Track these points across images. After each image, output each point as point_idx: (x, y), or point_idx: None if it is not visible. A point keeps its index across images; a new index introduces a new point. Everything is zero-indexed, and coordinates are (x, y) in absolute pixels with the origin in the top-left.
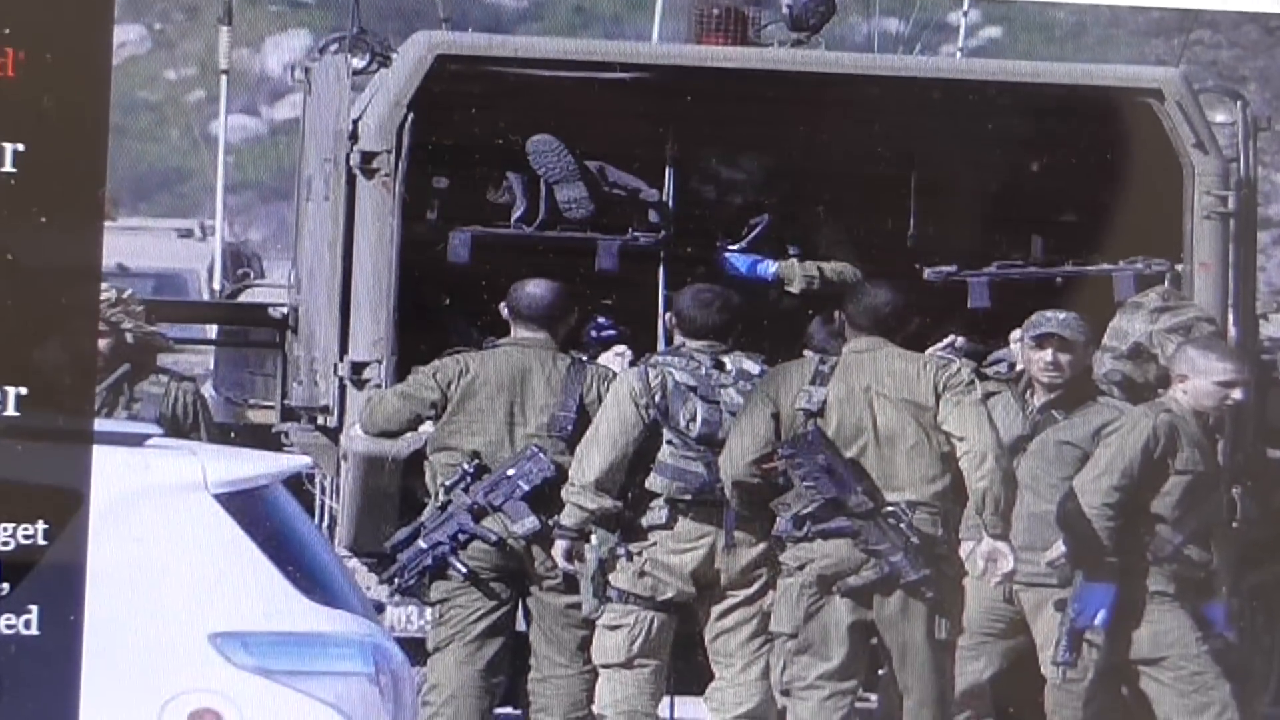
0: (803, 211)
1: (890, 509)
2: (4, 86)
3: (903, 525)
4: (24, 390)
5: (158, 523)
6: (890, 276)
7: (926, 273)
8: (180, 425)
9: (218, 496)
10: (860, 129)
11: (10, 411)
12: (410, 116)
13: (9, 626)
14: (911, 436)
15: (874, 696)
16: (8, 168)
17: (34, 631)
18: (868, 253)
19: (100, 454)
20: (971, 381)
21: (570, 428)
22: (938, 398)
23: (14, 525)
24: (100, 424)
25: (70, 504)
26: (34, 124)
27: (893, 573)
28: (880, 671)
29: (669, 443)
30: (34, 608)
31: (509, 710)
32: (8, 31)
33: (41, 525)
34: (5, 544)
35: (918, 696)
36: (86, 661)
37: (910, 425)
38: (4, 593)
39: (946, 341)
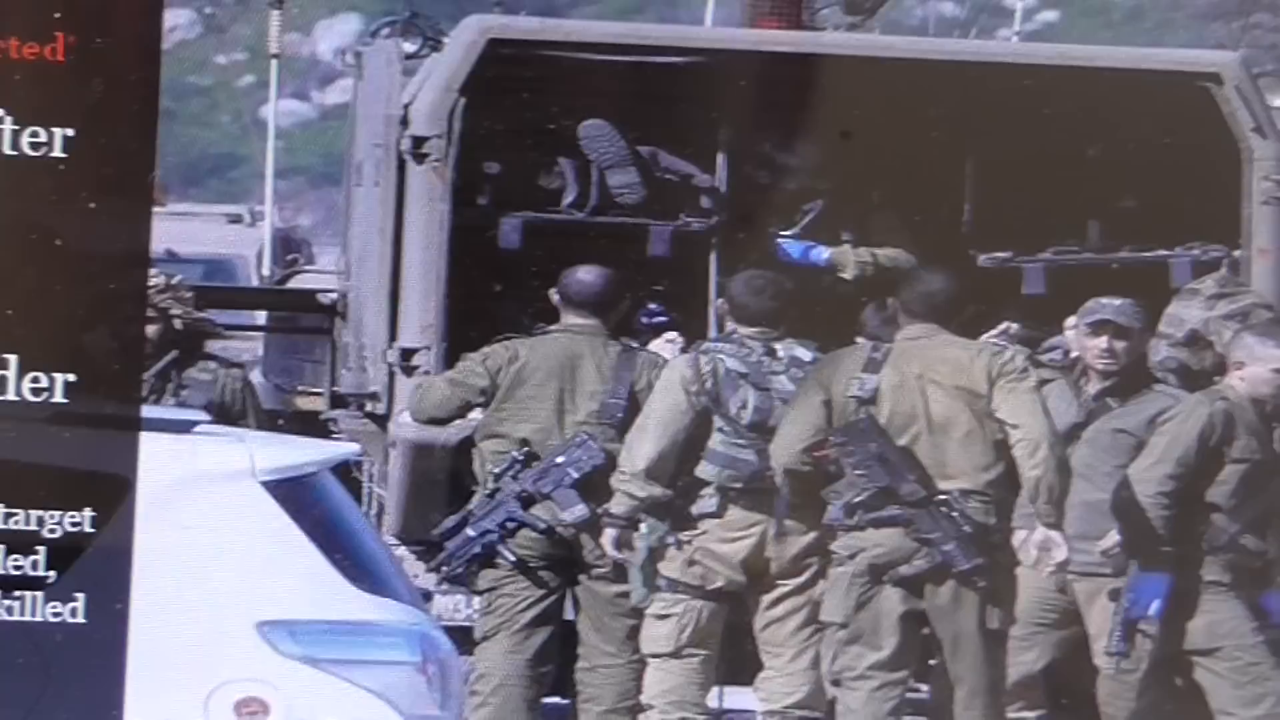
0: (857, 197)
1: (943, 497)
2: (53, 71)
3: (955, 514)
4: (72, 377)
5: (205, 510)
6: (944, 263)
7: (981, 259)
8: (229, 412)
9: (265, 484)
10: (915, 114)
11: (58, 398)
12: (462, 101)
13: (55, 614)
14: (965, 424)
15: (925, 687)
16: (57, 153)
17: (80, 620)
18: (922, 239)
19: (148, 441)
20: (1025, 369)
21: (620, 415)
22: (991, 385)
23: (61, 513)
24: (148, 411)
25: (118, 491)
26: (83, 109)
27: (945, 562)
28: (932, 662)
29: (720, 430)
30: (81, 596)
31: (557, 700)
32: (58, 16)
33: (89, 513)
34: (52, 531)
35: (969, 687)
36: (132, 650)
37: (964, 413)
38: (51, 580)
39: (1001, 328)
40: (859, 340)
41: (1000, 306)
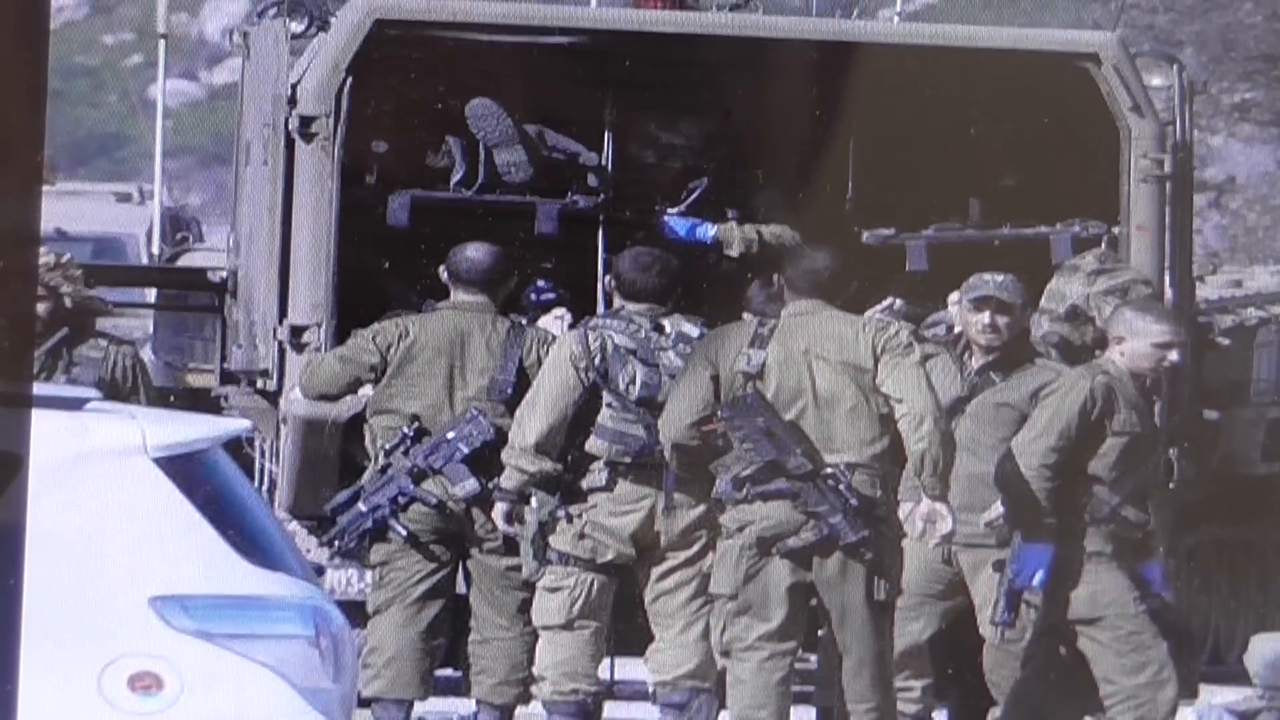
0: (741, 175)
1: (829, 471)
2: None
3: (841, 487)
4: None
5: (97, 487)
6: (828, 240)
7: (865, 236)
8: (119, 389)
9: (157, 460)
10: (798, 93)
11: None
12: (349, 81)
13: None
14: (850, 399)
15: (814, 657)
16: None
17: None
18: (806, 216)
19: (38, 418)
20: (910, 344)
21: (510, 391)
22: (876, 360)
23: None
24: (39, 388)
25: (9, 469)
26: None
27: (832, 534)
28: (820, 632)
29: (608, 405)
30: None
31: (449, 672)
32: None
33: None
34: None
35: (857, 657)
36: (25, 626)
37: (849, 388)
38: None
39: (885, 304)
40: (745, 316)
41: (884, 283)
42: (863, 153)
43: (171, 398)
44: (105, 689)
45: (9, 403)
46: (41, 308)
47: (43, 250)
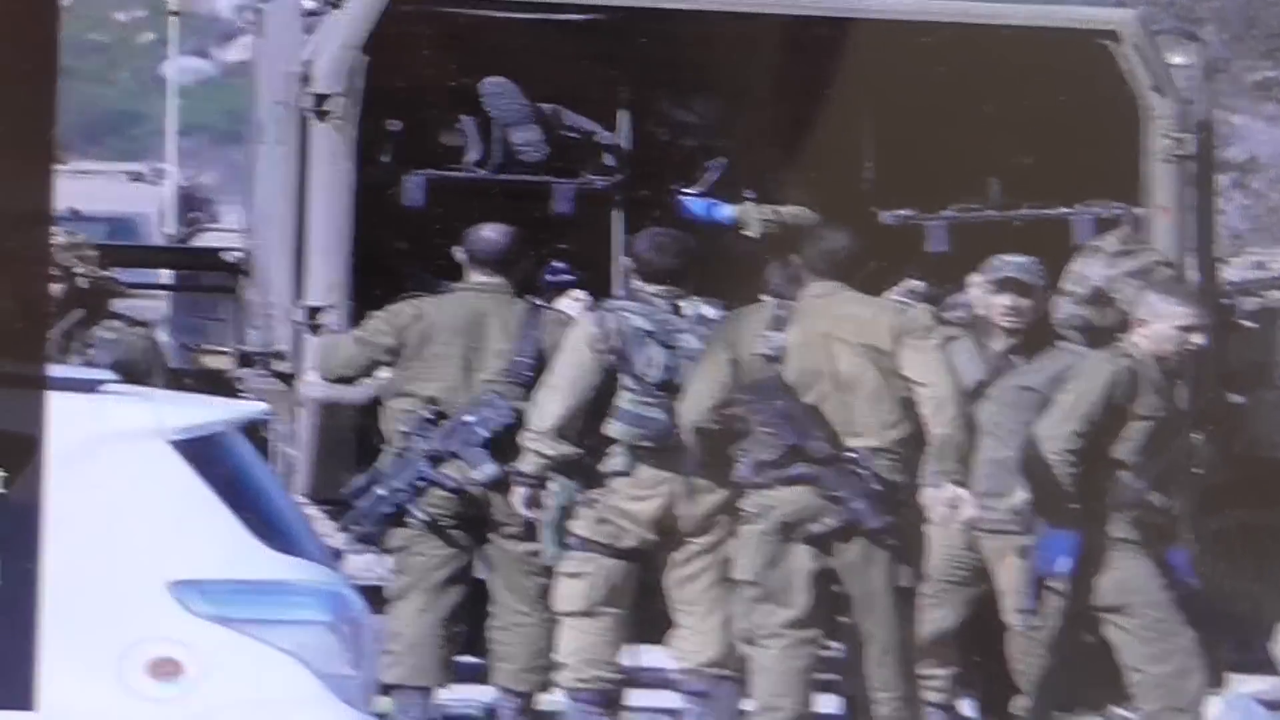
0: (759, 154)
1: (850, 455)
2: None
3: (863, 472)
4: None
5: (113, 470)
6: (847, 220)
7: (884, 216)
8: (135, 371)
9: (174, 443)
10: (817, 70)
11: None
12: (363, 58)
13: None
14: (870, 382)
15: (836, 644)
16: None
17: None
18: (824, 196)
19: (55, 400)
20: (930, 326)
21: (528, 373)
22: (896, 343)
23: None
24: (54, 370)
25: (25, 452)
26: None
27: (853, 520)
28: (842, 619)
29: (627, 388)
30: None
31: (469, 659)
32: None
33: None
34: None
35: (881, 644)
36: (43, 611)
37: (869, 370)
38: None
39: (904, 286)
40: (764, 298)
41: (903, 264)
42: (881, 131)
43: (187, 380)
44: (124, 674)
45: (24, 385)
46: (56, 289)
47: (57, 230)
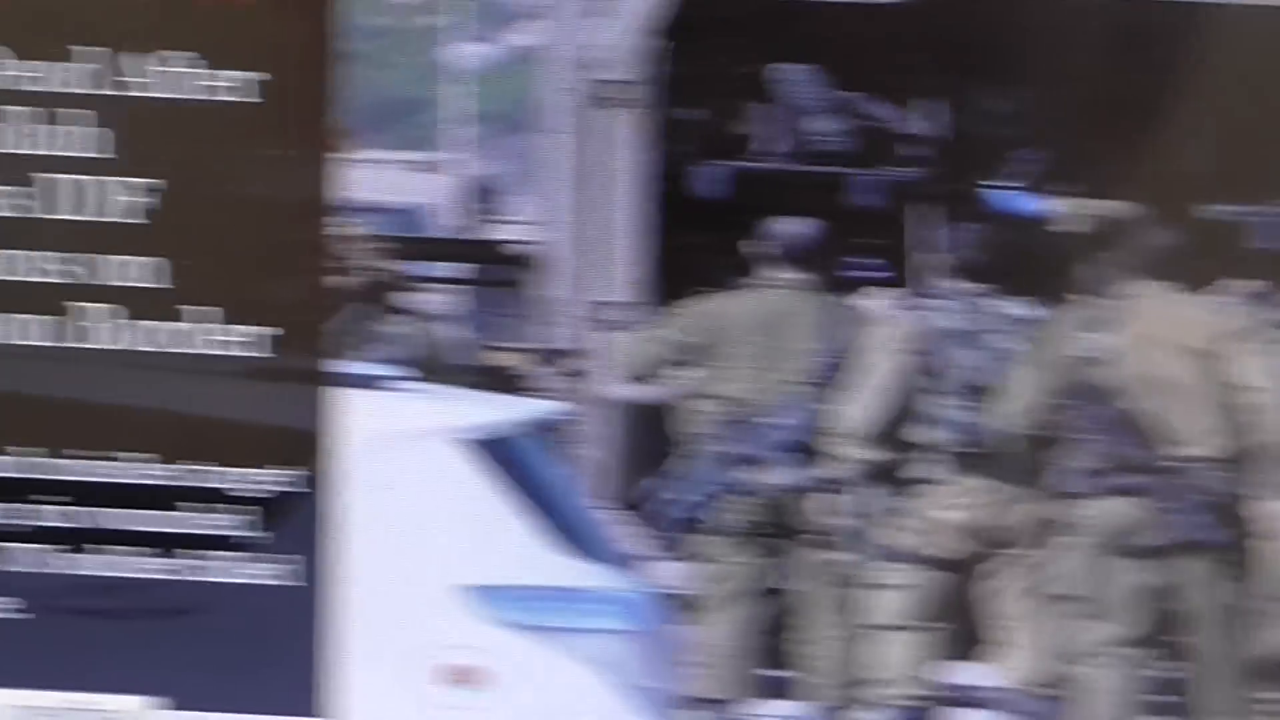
0: (1076, 146)
1: (1179, 465)
2: (245, 15)
3: (1193, 482)
4: (270, 331)
5: (404, 471)
6: (1171, 216)
7: (1210, 211)
8: (423, 368)
9: (468, 443)
10: (1140, 57)
11: (253, 352)
12: (657, 44)
13: (257, 577)
14: (1198, 387)
15: (1165, 663)
16: (250, 99)
17: (285, 582)
18: (1147, 190)
19: (343, 398)
20: (1260, 328)
21: (831, 374)
22: (1223, 346)
23: (257, 471)
24: (342, 366)
25: (312, 450)
26: (273, 53)
27: (1184, 533)
28: (1171, 637)
29: (936, 391)
30: (283, 558)
31: (775, 672)
32: None
33: (285, 472)
34: (252, 491)
35: (1213, 665)
36: (338, 615)
37: (1197, 375)
38: (253, 541)
39: (1233, 285)
40: (1077, 297)
41: (1232, 262)
42: (1209, 121)
43: (476, 377)
44: (418, 682)
45: (309, 381)
46: (339, 283)
47: (340, 222)
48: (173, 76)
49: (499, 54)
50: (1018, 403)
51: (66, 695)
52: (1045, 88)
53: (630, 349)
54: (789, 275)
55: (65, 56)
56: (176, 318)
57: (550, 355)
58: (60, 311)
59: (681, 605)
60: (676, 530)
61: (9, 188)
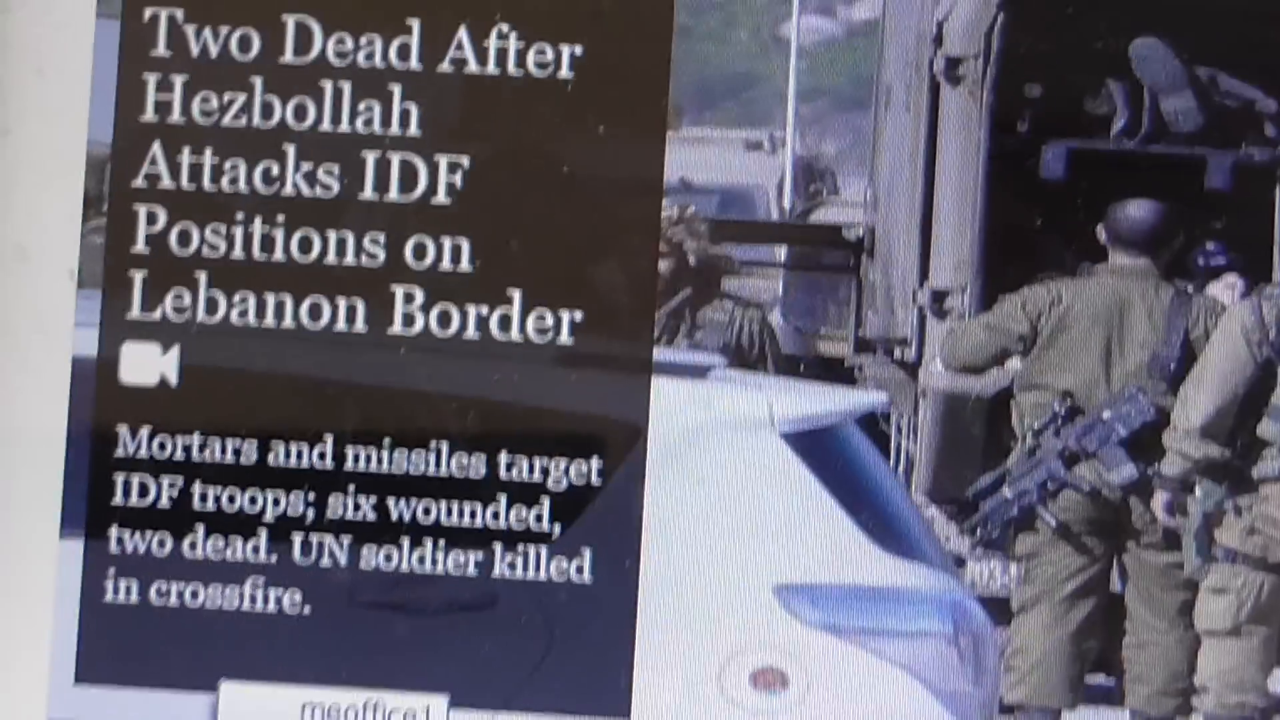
0: None
1: None
2: None
3: None
4: (579, 315)
5: (720, 463)
6: None
7: None
8: (746, 356)
9: (786, 436)
10: None
11: (564, 338)
12: (1001, 18)
13: (560, 572)
14: None
15: None
16: (565, 73)
17: (587, 578)
18: None
19: (659, 386)
20: None
21: (1174, 366)
22: None
23: (567, 462)
24: (660, 353)
25: (626, 440)
26: (592, 24)
27: None
28: None
29: None
30: (587, 552)
31: (1101, 679)
32: None
33: (596, 463)
34: (558, 482)
35: None
36: (641, 612)
37: None
38: (556, 535)
39: None
40: None
41: None
42: None
43: (801, 366)
44: (726, 685)
45: (628, 368)
46: (664, 265)
47: (666, 203)
48: (484, 50)
49: (837, 28)
50: None
51: (364, 692)
52: None
53: (961, 337)
54: (1132, 261)
55: (376, 30)
56: (500, 301)
57: (877, 343)
58: (377, 295)
59: (1005, 607)
60: (1003, 528)
61: (329, 164)
